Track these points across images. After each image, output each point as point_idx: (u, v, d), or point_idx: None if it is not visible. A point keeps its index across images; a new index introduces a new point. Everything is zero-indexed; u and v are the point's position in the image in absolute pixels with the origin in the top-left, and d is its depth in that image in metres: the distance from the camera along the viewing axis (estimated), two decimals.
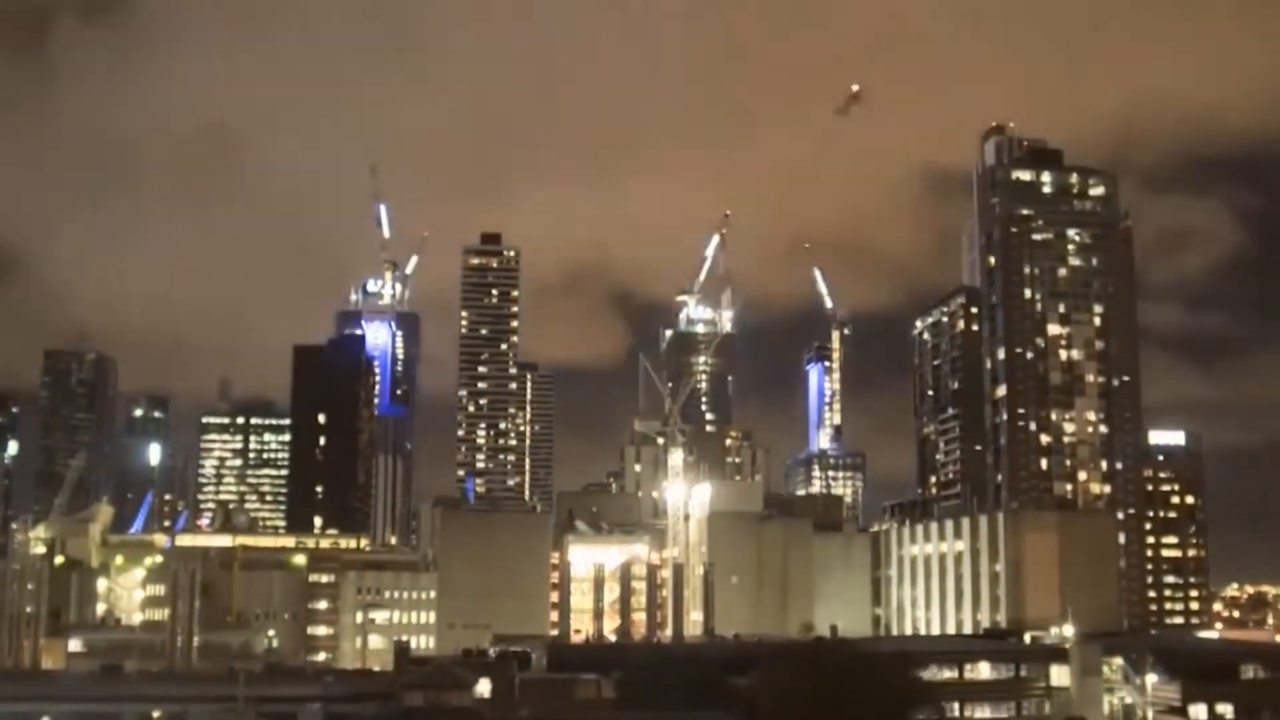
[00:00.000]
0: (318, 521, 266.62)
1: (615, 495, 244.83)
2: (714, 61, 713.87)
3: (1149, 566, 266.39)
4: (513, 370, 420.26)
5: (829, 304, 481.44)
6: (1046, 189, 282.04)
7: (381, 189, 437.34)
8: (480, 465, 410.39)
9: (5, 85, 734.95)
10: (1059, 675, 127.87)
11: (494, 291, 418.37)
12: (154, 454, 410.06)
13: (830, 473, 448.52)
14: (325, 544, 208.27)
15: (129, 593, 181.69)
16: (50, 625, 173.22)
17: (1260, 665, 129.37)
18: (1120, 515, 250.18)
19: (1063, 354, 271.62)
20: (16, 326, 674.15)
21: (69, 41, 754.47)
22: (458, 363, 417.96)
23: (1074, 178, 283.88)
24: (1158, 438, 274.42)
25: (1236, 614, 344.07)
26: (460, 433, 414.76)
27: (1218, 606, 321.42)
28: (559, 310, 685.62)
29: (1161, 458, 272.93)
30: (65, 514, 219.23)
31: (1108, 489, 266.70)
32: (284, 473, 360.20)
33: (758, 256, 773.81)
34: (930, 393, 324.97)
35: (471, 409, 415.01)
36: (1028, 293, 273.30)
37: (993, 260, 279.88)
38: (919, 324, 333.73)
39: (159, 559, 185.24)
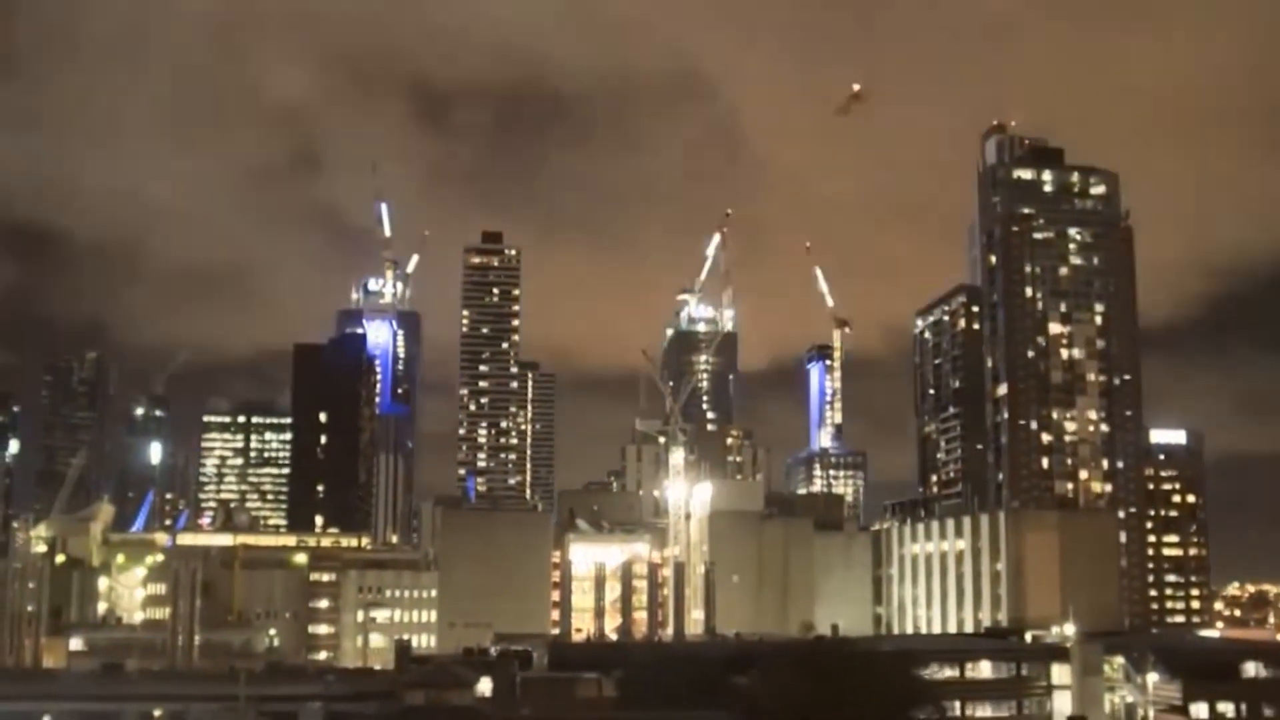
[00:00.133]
0: (319, 520, 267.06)
1: (616, 494, 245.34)
2: None
3: (1150, 565, 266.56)
4: (514, 369, 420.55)
5: (830, 302, 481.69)
6: (1047, 188, 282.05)
7: (383, 188, 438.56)
8: (481, 464, 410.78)
9: None
10: (1060, 674, 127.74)
11: (495, 290, 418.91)
12: (155, 453, 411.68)
13: (831, 471, 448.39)
14: (326, 543, 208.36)
15: (130, 591, 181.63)
16: (51, 624, 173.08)
17: (1262, 664, 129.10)
18: (1121, 514, 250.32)
19: (1064, 353, 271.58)
20: None
21: None
22: (459, 361, 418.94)
23: (1075, 176, 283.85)
24: (1159, 436, 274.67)
25: (1238, 613, 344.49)
26: (461, 431, 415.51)
27: (1219, 605, 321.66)
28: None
29: (1163, 456, 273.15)
30: (66, 513, 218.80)
31: (1109, 488, 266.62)
32: (285, 472, 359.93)
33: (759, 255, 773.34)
34: (931, 391, 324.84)
35: (473, 408, 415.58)
36: (1029, 291, 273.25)
37: (994, 259, 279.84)
38: (920, 323, 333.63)
39: (160, 558, 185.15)
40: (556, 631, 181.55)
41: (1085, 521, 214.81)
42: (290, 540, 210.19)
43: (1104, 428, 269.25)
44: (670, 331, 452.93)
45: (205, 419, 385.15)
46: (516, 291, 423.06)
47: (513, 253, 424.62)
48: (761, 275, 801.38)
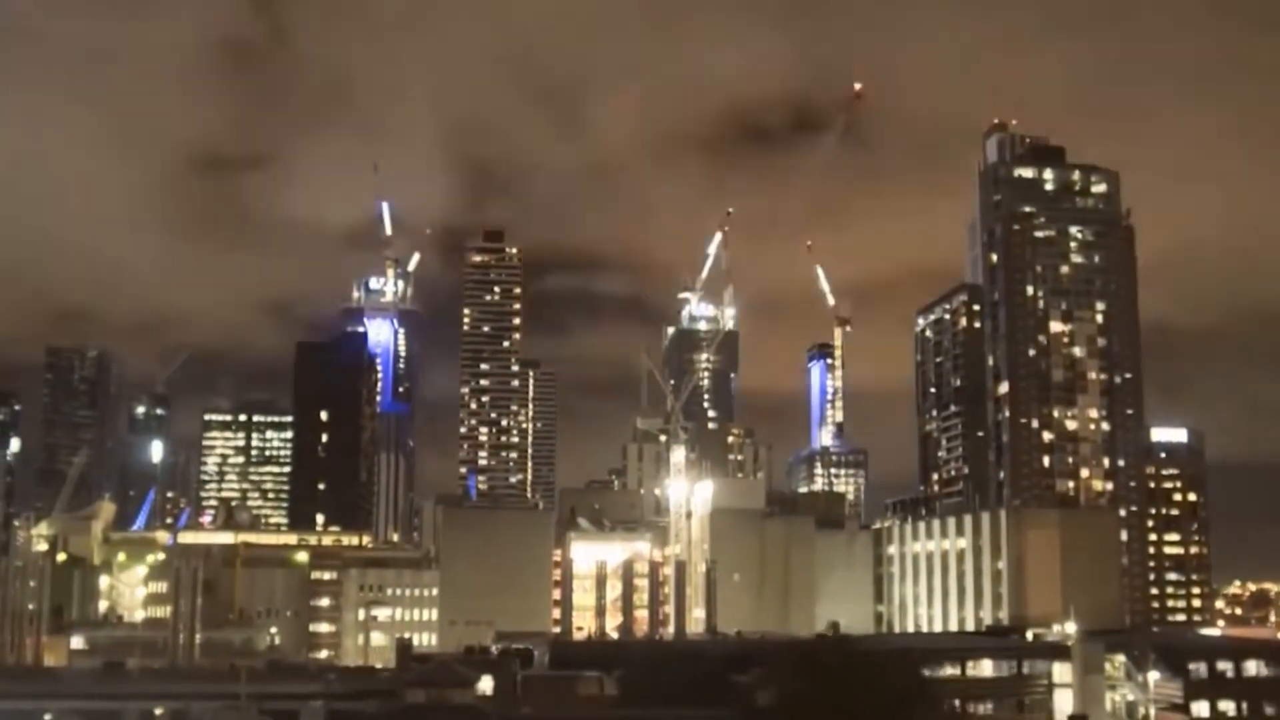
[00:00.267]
0: (320, 519, 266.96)
1: (618, 492, 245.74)
2: None
3: (1151, 564, 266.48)
4: (515, 367, 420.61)
5: (831, 301, 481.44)
6: (1049, 186, 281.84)
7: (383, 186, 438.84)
8: (482, 462, 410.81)
9: None
10: (1061, 672, 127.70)
11: (496, 289, 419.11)
12: (156, 451, 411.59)
13: (832, 470, 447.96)
14: (327, 541, 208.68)
15: (131, 590, 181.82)
16: (52, 622, 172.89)
17: (1263, 663, 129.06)
18: (1122, 512, 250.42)
19: (1065, 351, 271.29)
20: None
21: None
22: (459, 360, 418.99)
23: (1076, 175, 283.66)
24: (1160, 435, 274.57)
25: (1239, 611, 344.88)
26: (462, 430, 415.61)
27: (1220, 604, 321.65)
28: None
29: (1164, 455, 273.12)
30: (67, 511, 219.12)
31: (1110, 486, 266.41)
32: (286, 470, 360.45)
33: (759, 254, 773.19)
34: (932, 390, 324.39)
35: (474, 406, 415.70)
36: (1030, 290, 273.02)
37: (995, 257, 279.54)
38: (921, 321, 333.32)
39: (161, 556, 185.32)
40: (557, 630, 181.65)
41: (1086, 520, 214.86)
42: (291, 539, 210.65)
43: (1105, 426, 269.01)
44: (671, 330, 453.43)
45: (206, 417, 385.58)
46: (517, 290, 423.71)
47: (514, 251, 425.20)
48: (762, 275, 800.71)
